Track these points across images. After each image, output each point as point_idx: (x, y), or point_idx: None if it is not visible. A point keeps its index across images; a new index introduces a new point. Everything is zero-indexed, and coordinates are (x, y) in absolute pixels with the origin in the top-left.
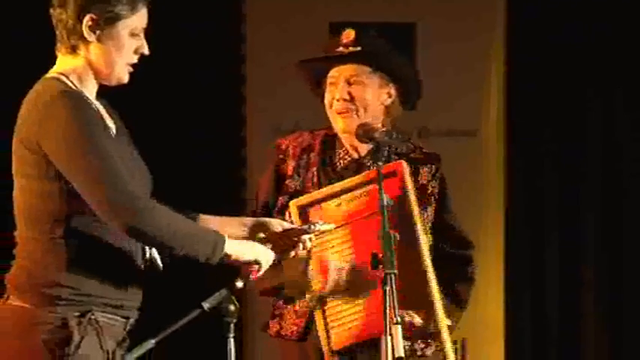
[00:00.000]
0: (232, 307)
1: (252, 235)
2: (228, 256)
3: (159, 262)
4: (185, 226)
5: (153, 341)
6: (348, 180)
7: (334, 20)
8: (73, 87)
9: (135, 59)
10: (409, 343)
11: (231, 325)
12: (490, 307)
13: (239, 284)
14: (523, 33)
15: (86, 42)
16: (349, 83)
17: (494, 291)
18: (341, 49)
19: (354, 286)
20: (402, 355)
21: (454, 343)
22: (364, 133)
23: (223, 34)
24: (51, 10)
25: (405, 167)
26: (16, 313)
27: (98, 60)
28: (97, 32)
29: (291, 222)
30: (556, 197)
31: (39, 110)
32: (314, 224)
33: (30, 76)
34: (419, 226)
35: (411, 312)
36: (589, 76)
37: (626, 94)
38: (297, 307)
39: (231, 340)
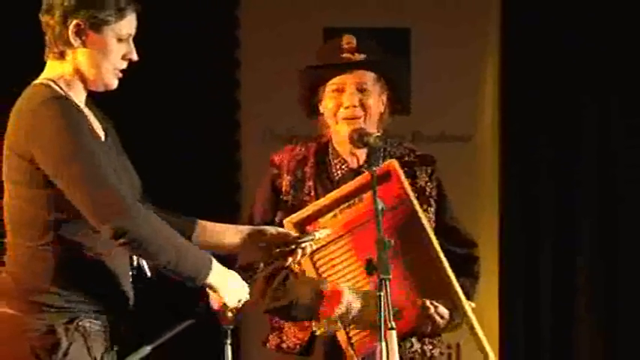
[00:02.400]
0: (229, 314)
1: (248, 243)
2: (208, 284)
3: (147, 269)
4: (176, 239)
5: (149, 348)
6: (340, 189)
7: (328, 25)
8: (62, 92)
9: (123, 65)
10: (419, 345)
11: (228, 332)
12: (484, 312)
13: None
14: (518, 38)
15: (72, 47)
16: (359, 90)
17: (489, 296)
18: (346, 55)
19: (367, 298)
20: None
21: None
22: (359, 137)
23: (218, 39)
24: (40, 16)
25: (397, 165)
26: (4, 321)
27: (84, 65)
28: (83, 38)
29: None
30: (551, 203)
31: (28, 117)
32: (312, 234)
33: (17, 81)
34: (423, 218)
35: (434, 302)
36: (584, 82)
37: (622, 101)
38: (306, 326)
39: (228, 346)
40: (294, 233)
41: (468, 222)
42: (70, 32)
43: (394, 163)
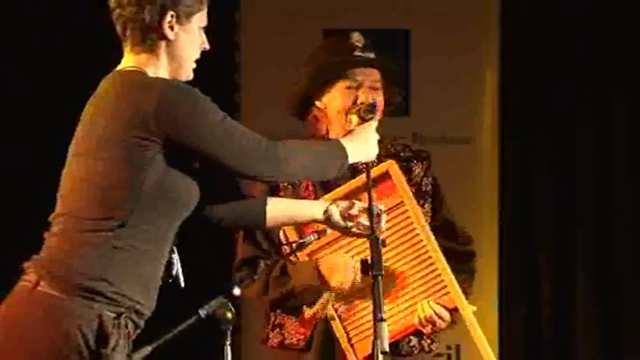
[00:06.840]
0: (229, 315)
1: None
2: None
3: (181, 279)
4: (311, 157)
5: (149, 348)
6: (339, 189)
7: (328, 27)
8: None
9: (199, 55)
10: (417, 340)
11: (228, 332)
12: (484, 312)
13: (236, 291)
14: (517, 41)
15: (165, 39)
16: (372, 88)
17: (489, 299)
18: (358, 53)
19: (365, 288)
20: (387, 349)
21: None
22: (365, 109)
23: (217, 43)
24: (118, 10)
25: (395, 166)
26: (43, 301)
27: (174, 56)
28: (176, 28)
29: (286, 237)
30: (551, 205)
31: (148, 97)
32: (313, 234)
33: None
34: (422, 219)
35: (435, 304)
36: (584, 86)
37: (622, 104)
38: (304, 316)
39: (228, 347)
40: (292, 236)
41: (468, 223)
42: (165, 24)
43: (392, 164)
